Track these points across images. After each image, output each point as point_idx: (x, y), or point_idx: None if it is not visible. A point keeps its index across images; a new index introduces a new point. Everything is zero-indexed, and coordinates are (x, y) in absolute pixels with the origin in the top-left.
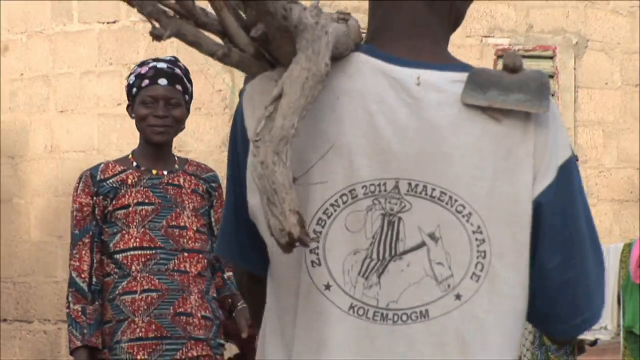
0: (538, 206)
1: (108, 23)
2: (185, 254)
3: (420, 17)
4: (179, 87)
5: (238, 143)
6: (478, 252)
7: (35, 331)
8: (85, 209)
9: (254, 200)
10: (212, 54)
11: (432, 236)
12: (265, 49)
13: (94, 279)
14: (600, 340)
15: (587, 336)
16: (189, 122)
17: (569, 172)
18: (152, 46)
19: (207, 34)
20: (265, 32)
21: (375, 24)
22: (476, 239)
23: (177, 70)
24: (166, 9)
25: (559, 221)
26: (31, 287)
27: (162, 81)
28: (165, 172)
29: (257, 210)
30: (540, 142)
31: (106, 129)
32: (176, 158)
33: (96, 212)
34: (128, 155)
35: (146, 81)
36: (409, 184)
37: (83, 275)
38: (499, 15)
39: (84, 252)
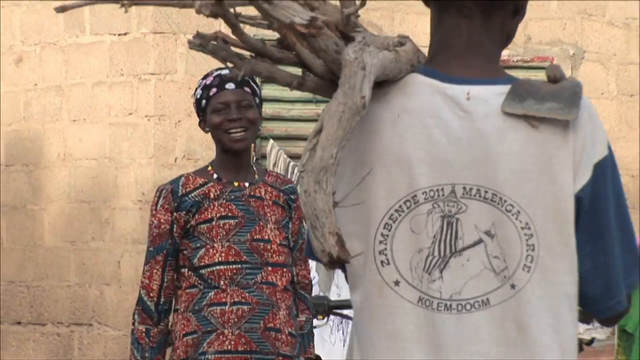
0: (578, 200)
1: (119, 35)
2: (270, 268)
3: (475, 38)
4: (247, 89)
5: None
6: (527, 246)
7: (49, 334)
8: (163, 225)
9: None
10: (288, 85)
11: (488, 233)
12: (335, 74)
13: (162, 299)
14: (597, 339)
15: (583, 335)
16: (197, 131)
17: (603, 169)
18: (162, 57)
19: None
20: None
21: (434, 45)
22: (525, 234)
23: (252, 83)
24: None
25: (592, 213)
26: (45, 291)
27: (230, 85)
28: (246, 184)
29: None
30: (578, 144)
31: (117, 137)
32: (255, 168)
33: (174, 229)
34: (207, 167)
35: (214, 89)
36: (464, 188)
37: (152, 295)
38: None
39: (155, 270)
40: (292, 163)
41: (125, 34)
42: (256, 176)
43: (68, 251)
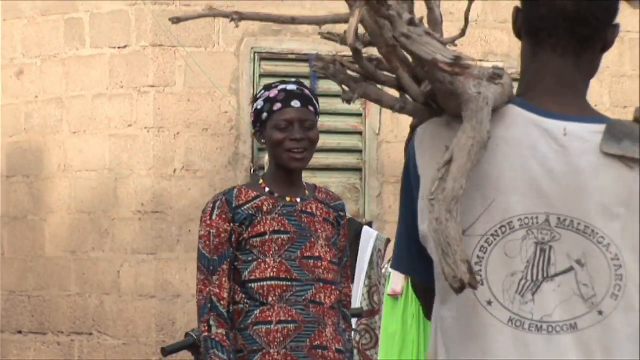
0: None
1: (119, 48)
2: (321, 285)
3: (567, 76)
4: (311, 108)
5: (411, 175)
6: (616, 276)
7: (49, 343)
8: (222, 235)
9: (424, 226)
10: (391, 108)
11: (579, 262)
12: (432, 100)
13: (231, 307)
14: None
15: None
16: (196, 142)
17: None
18: (162, 70)
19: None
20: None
21: (527, 79)
22: (615, 265)
23: (307, 92)
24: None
25: None
26: (45, 301)
27: (296, 103)
28: (298, 200)
29: (427, 235)
30: None
31: (117, 149)
32: (305, 184)
33: (232, 239)
34: (258, 181)
35: (278, 104)
36: (558, 218)
37: (223, 303)
38: (492, 40)
39: (224, 279)
40: None
41: (125, 47)
42: (307, 192)
43: (68, 261)
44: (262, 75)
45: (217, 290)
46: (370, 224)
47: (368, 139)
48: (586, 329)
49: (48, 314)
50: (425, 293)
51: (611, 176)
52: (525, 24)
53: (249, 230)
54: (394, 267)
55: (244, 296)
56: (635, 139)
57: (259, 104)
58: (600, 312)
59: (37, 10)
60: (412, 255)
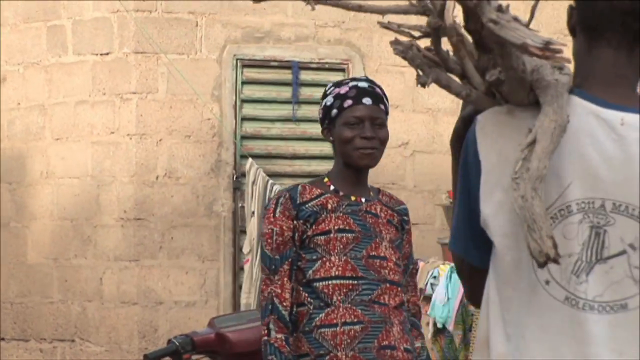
0: None
1: (101, 55)
2: (387, 285)
3: (621, 69)
4: (382, 106)
5: (470, 162)
6: None
7: (32, 349)
8: (286, 233)
9: (487, 210)
10: (458, 94)
11: (632, 246)
12: (495, 89)
13: (294, 309)
14: None
15: None
16: (179, 149)
17: None
18: (144, 77)
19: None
20: (498, 77)
21: (583, 71)
22: None
23: (378, 90)
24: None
25: None
26: (28, 308)
27: (367, 100)
28: (363, 200)
29: (489, 218)
30: None
31: (100, 156)
32: (369, 186)
33: (295, 237)
34: (323, 178)
35: (349, 101)
36: (614, 204)
37: (285, 304)
38: None
39: (285, 279)
40: (270, 181)
41: (108, 53)
42: (371, 193)
43: (51, 268)
44: (244, 83)
45: (279, 291)
46: None
47: None
48: (636, 308)
49: (30, 320)
50: (473, 276)
51: None
52: (582, 20)
53: (313, 227)
54: (450, 248)
55: (307, 296)
56: None
57: (329, 100)
58: None
59: (19, 17)
60: (469, 238)
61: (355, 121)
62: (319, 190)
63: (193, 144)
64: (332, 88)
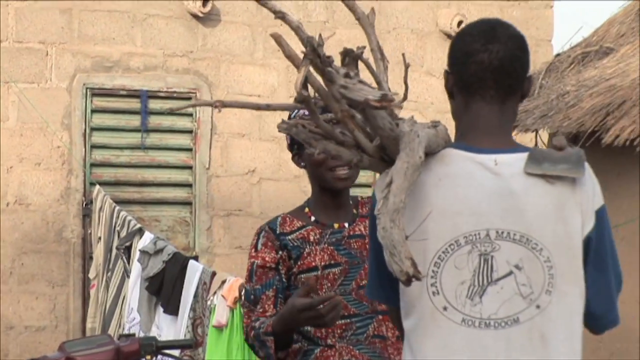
0: (588, 240)
1: None
2: (380, 317)
3: (494, 120)
4: None
5: (373, 217)
6: (549, 275)
7: None
8: (268, 263)
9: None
10: (350, 162)
11: (517, 266)
12: (385, 153)
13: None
14: None
15: None
16: (29, 176)
17: (602, 215)
18: None
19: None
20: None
21: (463, 126)
22: (547, 266)
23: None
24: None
25: (597, 250)
26: None
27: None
28: (346, 224)
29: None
30: (583, 197)
31: None
32: (350, 201)
33: (280, 267)
34: (304, 208)
35: None
36: (497, 232)
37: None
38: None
39: (267, 305)
40: (117, 208)
41: None
42: (354, 211)
43: None
44: (93, 111)
45: (261, 317)
46: (196, 258)
47: (198, 173)
48: (527, 321)
49: None
50: (394, 313)
51: (538, 192)
52: (458, 82)
53: (299, 264)
54: (368, 295)
55: (300, 337)
56: (553, 161)
57: None
58: (538, 306)
59: None
60: (383, 283)
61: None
62: (300, 223)
63: (43, 171)
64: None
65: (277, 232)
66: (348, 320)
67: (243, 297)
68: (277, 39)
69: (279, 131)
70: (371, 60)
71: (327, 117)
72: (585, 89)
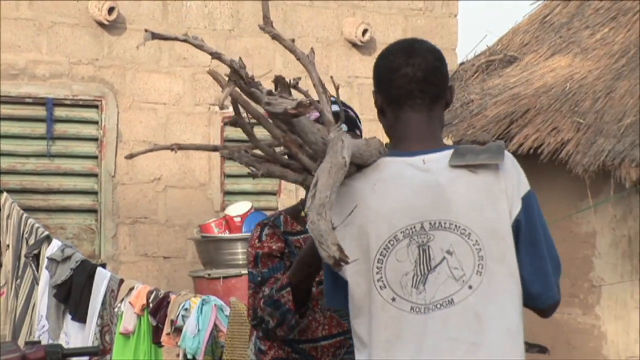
0: (518, 223)
1: None
2: None
3: (423, 126)
4: (357, 131)
5: None
6: (479, 257)
7: None
8: (274, 252)
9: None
10: (295, 182)
11: (449, 252)
12: None
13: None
14: None
15: None
16: None
17: (528, 200)
18: None
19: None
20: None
21: (396, 136)
22: (476, 249)
23: (352, 113)
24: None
25: (528, 231)
26: None
27: (342, 127)
28: None
29: (350, 270)
30: (508, 183)
31: None
32: None
33: (285, 259)
34: (300, 211)
35: None
36: (430, 223)
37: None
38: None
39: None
40: (25, 215)
41: None
42: None
43: None
44: None
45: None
46: (103, 265)
47: (104, 181)
48: (461, 301)
49: None
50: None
51: (464, 182)
52: (386, 98)
53: None
54: (327, 304)
55: (291, 351)
56: (475, 152)
57: None
58: (470, 287)
59: None
60: (338, 290)
61: None
62: (299, 227)
63: None
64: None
65: (282, 229)
66: (342, 337)
67: (248, 280)
68: (214, 75)
69: (222, 156)
70: (313, 93)
71: (268, 142)
72: (489, 97)
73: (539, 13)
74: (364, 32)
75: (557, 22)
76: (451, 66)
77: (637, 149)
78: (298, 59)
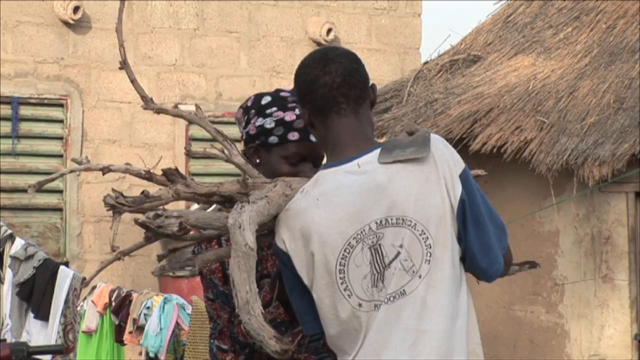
0: (463, 203)
1: None
2: None
3: (353, 129)
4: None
5: (284, 261)
6: (426, 246)
7: None
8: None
9: (306, 280)
10: (229, 256)
11: (400, 246)
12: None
13: None
14: None
15: None
16: None
17: (465, 177)
18: None
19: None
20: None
21: (329, 147)
22: (423, 238)
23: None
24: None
25: (472, 208)
26: None
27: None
28: None
29: (309, 283)
30: (444, 167)
31: None
32: None
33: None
34: None
35: (295, 134)
36: (377, 222)
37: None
38: (190, 84)
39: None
40: None
41: None
42: None
43: None
44: None
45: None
46: (66, 264)
47: (69, 180)
48: (412, 292)
49: None
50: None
51: (400, 176)
52: (312, 110)
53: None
54: (309, 332)
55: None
56: (402, 147)
57: (268, 122)
58: (420, 276)
59: None
60: (316, 314)
61: (298, 159)
62: None
63: None
64: (275, 109)
65: None
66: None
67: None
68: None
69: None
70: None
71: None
72: (453, 96)
73: (502, 13)
74: (329, 31)
75: (520, 22)
76: (415, 65)
77: (599, 148)
78: (188, 122)
